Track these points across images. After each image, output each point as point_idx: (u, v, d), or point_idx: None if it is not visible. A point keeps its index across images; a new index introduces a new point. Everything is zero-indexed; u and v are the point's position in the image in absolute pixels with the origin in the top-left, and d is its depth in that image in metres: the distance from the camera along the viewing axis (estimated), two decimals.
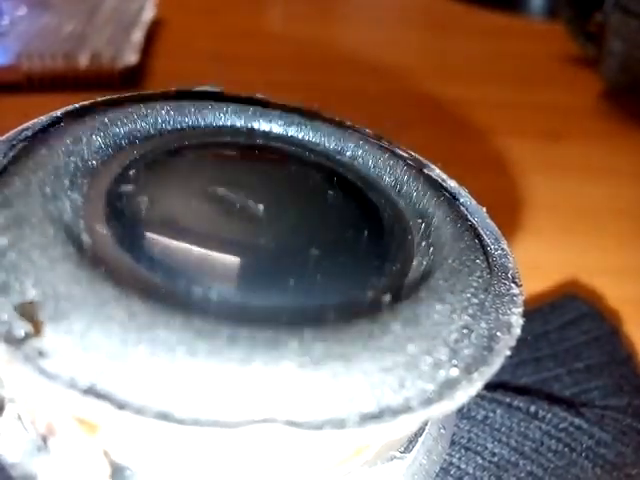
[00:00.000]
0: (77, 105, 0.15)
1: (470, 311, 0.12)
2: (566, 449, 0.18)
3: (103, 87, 0.35)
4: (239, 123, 0.16)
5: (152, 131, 0.15)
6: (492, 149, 0.34)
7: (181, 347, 0.10)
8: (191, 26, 0.45)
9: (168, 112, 0.15)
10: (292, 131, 0.16)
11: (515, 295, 0.13)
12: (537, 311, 0.22)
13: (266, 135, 0.16)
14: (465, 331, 0.12)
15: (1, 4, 0.41)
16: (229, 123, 0.16)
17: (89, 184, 0.13)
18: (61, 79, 0.35)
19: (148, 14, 0.42)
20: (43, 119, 0.14)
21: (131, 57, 0.36)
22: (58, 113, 0.14)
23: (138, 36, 0.39)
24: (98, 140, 0.14)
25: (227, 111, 0.16)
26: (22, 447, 0.12)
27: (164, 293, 0.11)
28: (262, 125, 0.16)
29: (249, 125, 0.16)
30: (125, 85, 0.36)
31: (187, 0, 0.48)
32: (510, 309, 0.13)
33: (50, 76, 0.35)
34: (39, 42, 0.37)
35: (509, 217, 0.29)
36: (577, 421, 0.18)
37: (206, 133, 0.16)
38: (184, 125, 0.15)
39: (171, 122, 0.15)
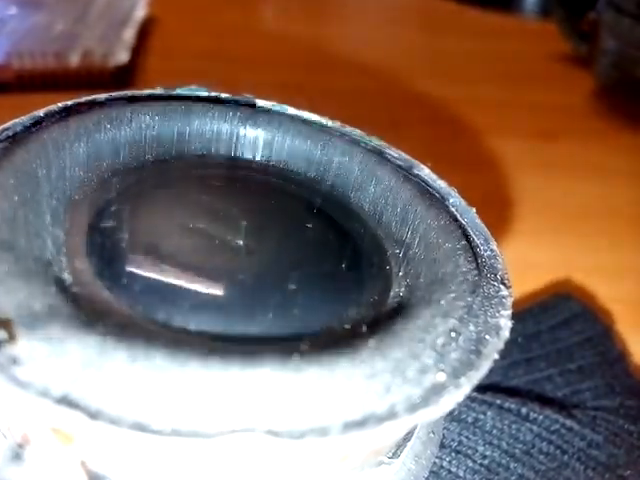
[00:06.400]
0: (59, 105, 0.15)
1: (458, 314, 0.12)
2: (558, 451, 0.17)
3: (94, 86, 0.35)
4: (225, 129, 0.16)
5: (136, 137, 0.15)
6: (484, 148, 0.34)
7: (159, 355, 0.10)
8: (183, 24, 0.45)
9: (153, 117, 0.15)
10: (274, 160, 0.16)
11: (504, 297, 0.13)
12: (529, 311, 0.22)
13: (248, 165, 0.16)
14: (452, 334, 0.12)
15: None
16: (215, 129, 0.16)
17: (71, 219, 0.13)
18: (52, 78, 0.35)
19: (140, 12, 0.42)
20: (24, 119, 0.14)
21: (123, 56, 0.36)
22: (40, 113, 0.14)
23: (130, 34, 0.39)
24: (80, 146, 0.14)
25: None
26: (0, 454, 0.12)
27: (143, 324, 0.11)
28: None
29: (234, 133, 0.16)
30: (117, 84, 0.35)
31: None
32: (499, 311, 0.12)
33: (41, 75, 0.35)
34: (30, 41, 0.36)
35: (502, 216, 0.29)
36: (569, 423, 0.18)
37: (188, 164, 0.16)
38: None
39: (155, 128, 0.15)
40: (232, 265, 0.13)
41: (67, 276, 0.11)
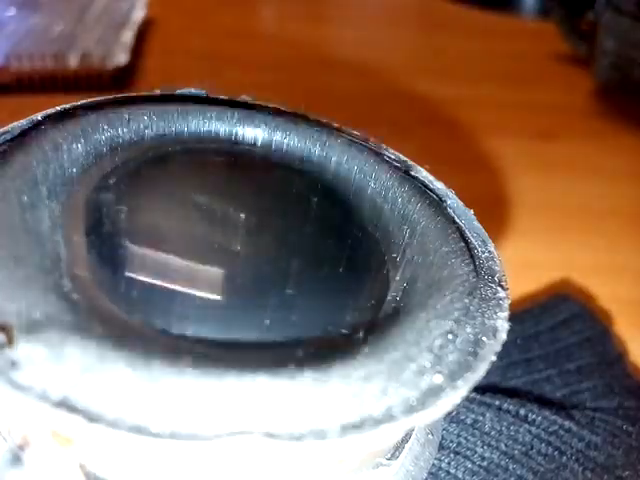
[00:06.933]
0: (58, 108, 0.15)
1: (455, 316, 0.12)
2: (556, 452, 0.17)
3: (93, 88, 0.35)
4: (223, 129, 0.16)
5: (134, 137, 0.15)
6: (483, 148, 0.34)
7: (158, 358, 0.10)
8: (182, 26, 0.45)
9: (151, 118, 0.15)
10: (276, 140, 0.16)
11: (501, 299, 0.13)
12: (528, 312, 0.22)
13: (251, 146, 0.16)
14: (450, 336, 0.12)
15: None
16: (213, 129, 0.16)
17: (70, 223, 0.12)
18: (51, 80, 0.35)
19: (139, 14, 0.42)
20: (23, 122, 0.14)
21: (121, 57, 0.36)
22: (39, 116, 0.14)
23: (128, 36, 0.39)
24: (79, 148, 0.14)
25: (211, 117, 0.16)
26: (0, 457, 0.12)
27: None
28: (246, 133, 0.16)
29: (233, 132, 0.16)
30: (115, 86, 0.35)
31: (178, 0, 0.48)
32: (496, 313, 0.12)
33: (40, 77, 0.35)
34: (28, 42, 0.36)
35: (500, 217, 0.29)
36: (567, 424, 0.18)
37: (189, 141, 0.15)
38: (167, 131, 0.15)
39: (154, 128, 0.15)
40: (229, 270, 0.13)
41: (67, 283, 0.11)
